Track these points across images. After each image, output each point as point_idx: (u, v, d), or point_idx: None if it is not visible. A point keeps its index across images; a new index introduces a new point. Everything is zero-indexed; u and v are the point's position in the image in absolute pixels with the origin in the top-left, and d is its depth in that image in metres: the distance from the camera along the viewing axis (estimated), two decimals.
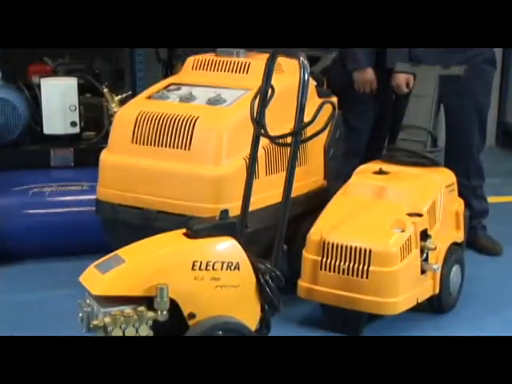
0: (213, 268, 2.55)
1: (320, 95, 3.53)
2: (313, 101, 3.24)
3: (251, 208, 2.93)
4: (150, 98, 3.39)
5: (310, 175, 3.48)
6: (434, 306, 3.34)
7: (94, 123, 4.47)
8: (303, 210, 3.38)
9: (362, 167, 3.55)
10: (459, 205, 3.61)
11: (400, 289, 3.05)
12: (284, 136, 2.80)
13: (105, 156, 3.32)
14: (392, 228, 3.09)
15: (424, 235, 3.17)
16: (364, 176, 3.45)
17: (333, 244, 3.08)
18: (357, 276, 3.03)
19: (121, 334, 2.39)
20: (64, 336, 2.39)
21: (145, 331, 2.43)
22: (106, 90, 4.49)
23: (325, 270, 3.09)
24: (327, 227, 3.14)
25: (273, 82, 2.87)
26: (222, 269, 2.57)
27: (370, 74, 4.06)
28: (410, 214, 3.17)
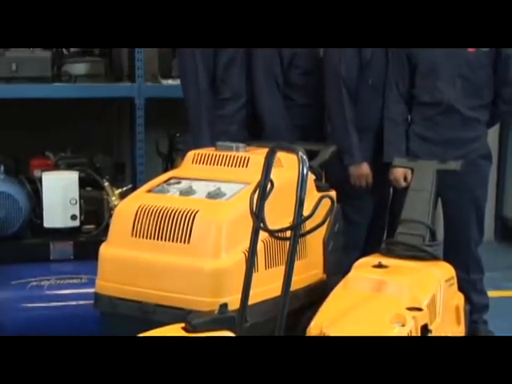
0: None
1: (319, 189, 3.56)
2: (312, 195, 3.27)
3: (250, 301, 2.91)
4: (150, 191, 3.42)
5: (309, 269, 3.47)
6: None
7: (95, 216, 4.49)
8: (303, 304, 3.36)
9: (361, 261, 3.55)
10: (459, 299, 3.59)
11: None
12: (283, 230, 2.81)
13: (104, 249, 3.32)
14: (392, 322, 3.06)
15: (424, 330, 3.14)
16: (363, 270, 3.44)
17: None
18: None
19: None
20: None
21: None
22: (106, 184, 4.54)
23: None
24: (327, 321, 3.11)
25: (272, 176, 2.90)
26: None
27: (365, 168, 4.11)
28: (409, 309, 3.14)
